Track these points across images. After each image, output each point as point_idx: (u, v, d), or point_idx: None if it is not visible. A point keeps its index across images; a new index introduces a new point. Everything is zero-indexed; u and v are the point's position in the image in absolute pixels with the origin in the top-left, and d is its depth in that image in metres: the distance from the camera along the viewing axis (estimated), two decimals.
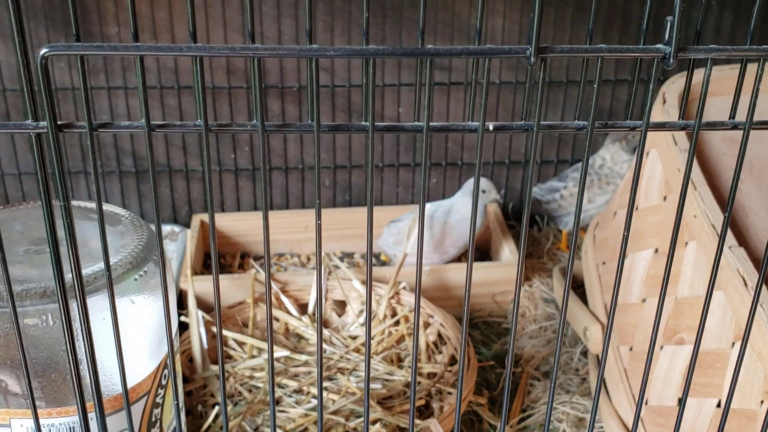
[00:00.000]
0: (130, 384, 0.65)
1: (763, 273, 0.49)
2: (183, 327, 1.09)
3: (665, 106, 0.94)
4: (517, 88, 1.38)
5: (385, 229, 1.32)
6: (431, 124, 0.42)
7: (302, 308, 1.17)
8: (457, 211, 1.26)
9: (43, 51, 0.38)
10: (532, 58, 0.40)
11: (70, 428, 0.63)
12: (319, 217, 0.45)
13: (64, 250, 0.44)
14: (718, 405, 0.78)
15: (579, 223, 0.47)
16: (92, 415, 0.57)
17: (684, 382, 0.83)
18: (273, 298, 1.17)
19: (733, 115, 0.45)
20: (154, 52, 0.39)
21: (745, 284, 0.74)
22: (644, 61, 0.43)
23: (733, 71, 0.98)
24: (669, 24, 0.41)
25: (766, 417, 0.54)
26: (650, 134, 0.97)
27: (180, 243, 1.33)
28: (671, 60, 0.41)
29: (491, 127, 0.43)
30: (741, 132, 0.45)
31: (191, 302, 1.11)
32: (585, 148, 0.43)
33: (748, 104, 0.44)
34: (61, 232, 0.43)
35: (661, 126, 0.45)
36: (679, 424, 0.54)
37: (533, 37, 0.39)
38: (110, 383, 0.64)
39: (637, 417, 0.54)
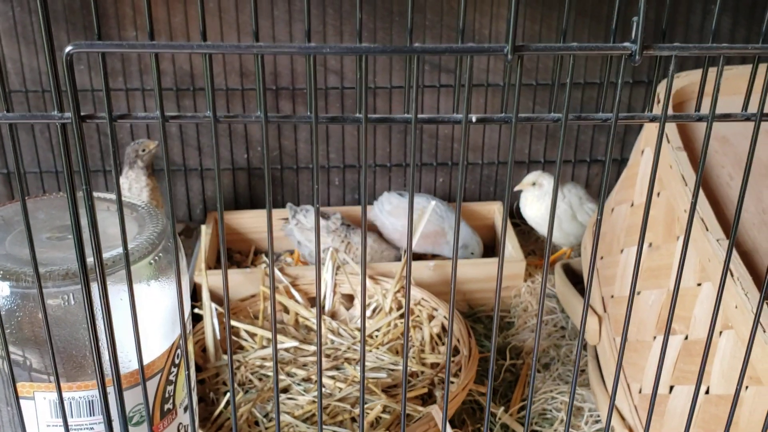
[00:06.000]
0: (144, 361, 0.69)
1: (728, 262, 0.53)
2: (197, 318, 1.14)
3: (659, 106, 0.97)
4: (514, 89, 1.41)
5: (385, 195, 1.39)
6: (419, 116, 0.47)
7: (312, 301, 1.22)
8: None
9: (68, 49, 0.42)
10: (509, 56, 0.44)
11: (89, 401, 0.67)
12: (317, 200, 0.49)
13: (85, 236, 0.48)
14: (707, 392, 0.81)
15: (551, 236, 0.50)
16: (110, 389, 0.62)
17: (675, 371, 0.87)
18: (284, 291, 1.21)
19: (704, 111, 0.49)
20: (168, 49, 0.43)
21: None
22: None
23: (731, 72, 1.01)
24: (635, 23, 0.44)
25: (733, 400, 0.57)
26: (645, 132, 1.01)
27: (194, 239, 1.37)
28: (637, 57, 0.44)
29: (474, 119, 0.47)
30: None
31: (205, 295, 1.15)
32: (560, 139, 0.47)
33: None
34: (83, 221, 0.47)
35: (631, 118, 0.48)
36: (652, 408, 0.58)
37: (510, 36, 0.43)
38: (126, 360, 0.68)
39: (612, 402, 0.57)
